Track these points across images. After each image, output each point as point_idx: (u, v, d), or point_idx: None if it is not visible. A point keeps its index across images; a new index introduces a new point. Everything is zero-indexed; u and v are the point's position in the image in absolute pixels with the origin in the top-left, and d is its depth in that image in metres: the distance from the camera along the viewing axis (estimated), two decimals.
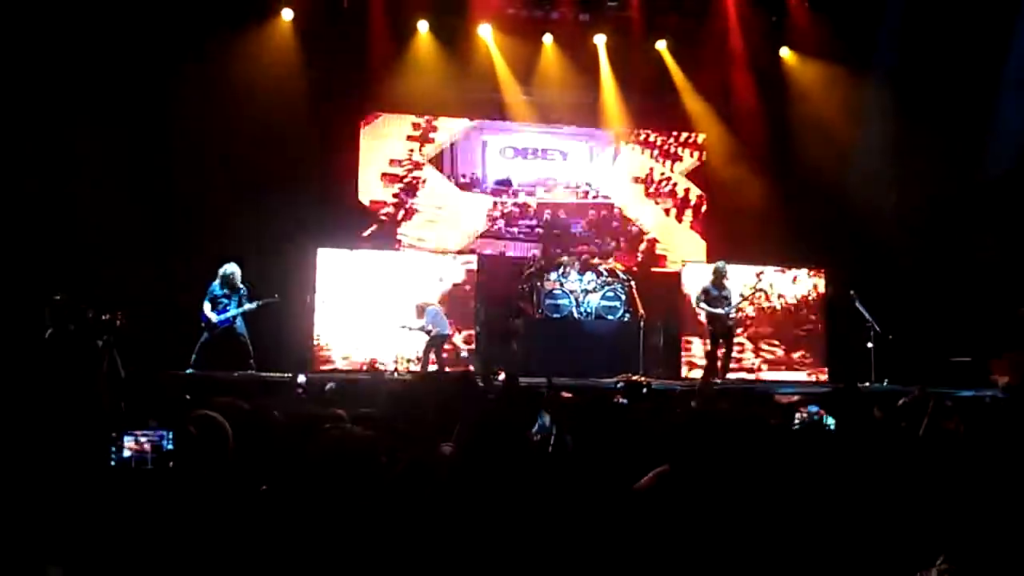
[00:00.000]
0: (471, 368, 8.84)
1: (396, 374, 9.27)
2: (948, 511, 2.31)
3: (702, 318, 9.70)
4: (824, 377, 10.60)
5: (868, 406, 4.91)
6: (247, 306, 8.61)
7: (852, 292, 9.83)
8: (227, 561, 1.92)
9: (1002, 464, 2.94)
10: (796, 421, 4.20)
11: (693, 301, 9.83)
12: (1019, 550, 2.03)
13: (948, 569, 2.08)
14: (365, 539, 1.72)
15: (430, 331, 9.18)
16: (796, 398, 5.81)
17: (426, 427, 3.38)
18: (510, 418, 2.72)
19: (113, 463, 2.02)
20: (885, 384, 9.08)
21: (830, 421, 4.18)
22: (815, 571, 2.10)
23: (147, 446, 2.05)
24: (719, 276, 9.42)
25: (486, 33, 11.27)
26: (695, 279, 10.43)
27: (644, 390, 5.91)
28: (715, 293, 9.37)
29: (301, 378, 6.76)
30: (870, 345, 9.63)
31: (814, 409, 4.22)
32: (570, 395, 5.52)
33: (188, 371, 8.17)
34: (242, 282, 8.67)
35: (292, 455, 2.42)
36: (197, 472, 2.16)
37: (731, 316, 9.45)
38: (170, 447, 2.03)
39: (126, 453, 2.04)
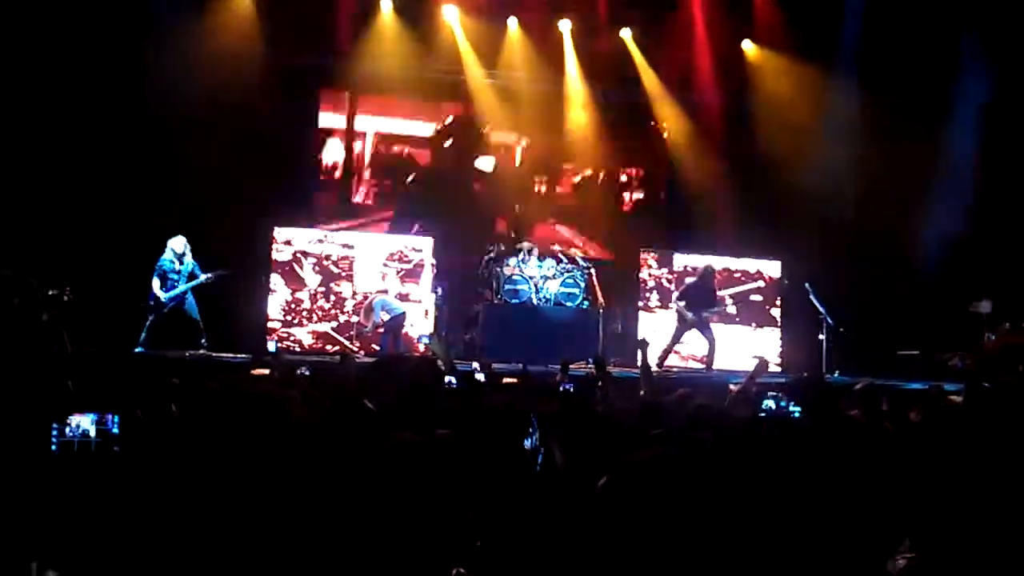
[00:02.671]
0: (432, 352, 8.78)
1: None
2: (913, 499, 2.33)
3: (673, 310, 9.78)
4: (776, 368, 10.74)
5: (835, 396, 4.97)
6: (197, 280, 8.38)
7: (807, 284, 9.97)
8: (174, 545, 1.86)
9: (967, 452, 2.99)
10: (763, 409, 4.22)
11: (672, 298, 9.91)
12: (983, 537, 2.05)
13: (913, 557, 2.10)
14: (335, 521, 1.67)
15: (379, 325, 9.23)
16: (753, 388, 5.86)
17: (391, 408, 3.33)
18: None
19: (55, 447, 1.92)
20: (836, 376, 9.23)
21: (795, 410, 4.21)
22: (785, 560, 2.09)
23: (92, 429, 1.96)
24: (705, 279, 9.55)
25: (451, 14, 11.13)
26: (652, 267, 10.62)
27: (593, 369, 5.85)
28: (693, 294, 9.45)
29: (272, 346, 6.65)
30: (822, 337, 9.80)
31: (779, 402, 4.24)
32: (514, 380, 5.50)
33: (137, 350, 7.96)
34: (190, 258, 8.45)
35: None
36: (144, 455, 2.08)
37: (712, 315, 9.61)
38: (116, 430, 1.94)
39: (68, 435, 1.94)
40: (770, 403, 4.21)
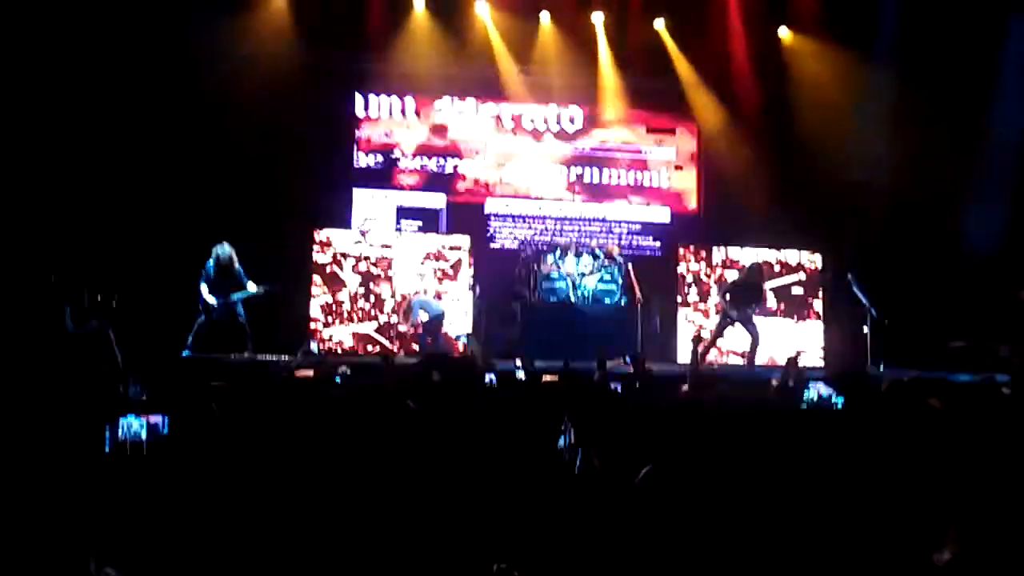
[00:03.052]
0: (471, 351, 8.85)
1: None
2: (957, 490, 2.30)
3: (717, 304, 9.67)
4: (819, 361, 10.58)
5: (877, 387, 4.91)
6: (249, 291, 8.48)
7: (849, 275, 9.80)
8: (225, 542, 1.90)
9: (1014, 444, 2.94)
10: (804, 401, 4.18)
11: (716, 292, 9.78)
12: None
13: (958, 549, 2.08)
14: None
15: (417, 325, 9.29)
16: (791, 382, 5.80)
17: (432, 406, 3.38)
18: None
19: (108, 448, 1.98)
20: (881, 368, 9.07)
21: (838, 401, 4.16)
22: (827, 551, 2.08)
23: (143, 430, 2.01)
24: (752, 274, 9.43)
25: (483, 10, 11.16)
26: (690, 260, 10.55)
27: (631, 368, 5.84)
28: (740, 291, 9.33)
29: (313, 347, 6.75)
30: (866, 329, 9.62)
31: (824, 392, 4.20)
32: (554, 378, 5.50)
33: (184, 354, 8.11)
34: (238, 264, 8.57)
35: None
36: (191, 453, 2.14)
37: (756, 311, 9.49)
38: (166, 431, 2.00)
39: (121, 436, 2.00)
40: (812, 394, 4.16)
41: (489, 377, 4.33)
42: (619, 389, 4.66)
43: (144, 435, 1.98)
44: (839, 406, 4.16)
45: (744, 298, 9.27)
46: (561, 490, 2.52)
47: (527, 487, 2.33)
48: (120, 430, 2.00)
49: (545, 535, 2.09)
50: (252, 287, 8.46)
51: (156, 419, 2.02)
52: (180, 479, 2.05)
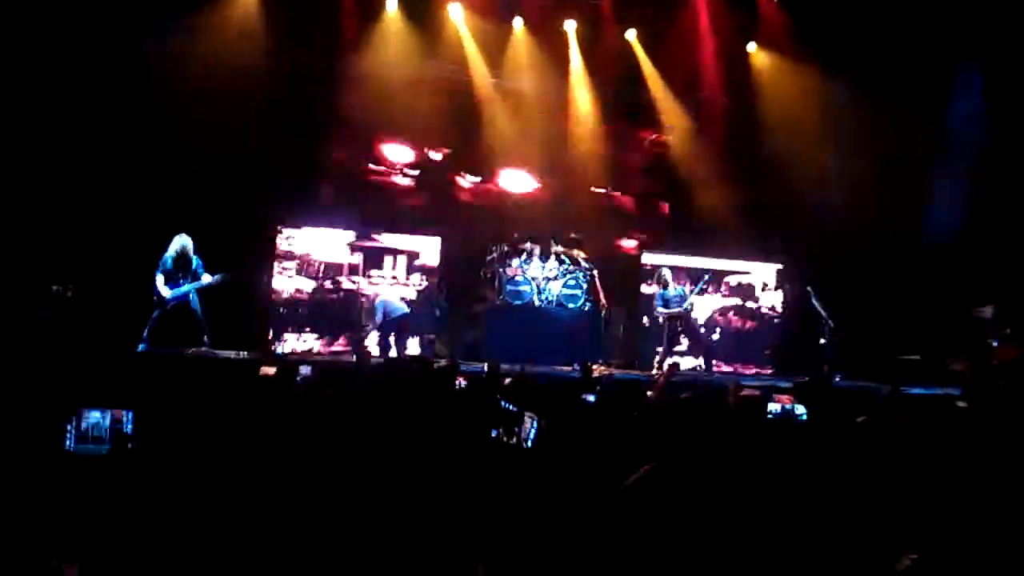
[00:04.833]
0: (437, 353, 8.84)
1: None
2: (919, 502, 2.35)
3: (660, 315, 9.80)
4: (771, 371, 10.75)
5: (839, 399, 4.99)
6: (202, 281, 8.34)
7: (807, 287, 9.97)
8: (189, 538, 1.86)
9: (972, 457, 3.01)
10: (770, 412, 4.23)
11: (655, 307, 9.93)
12: (986, 539, 2.07)
13: (918, 558, 2.12)
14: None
15: (381, 324, 9.24)
16: (758, 392, 5.88)
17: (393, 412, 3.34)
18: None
19: (71, 443, 1.91)
20: (837, 380, 9.22)
21: (799, 411, 4.22)
22: (797, 560, 2.10)
23: (107, 426, 1.95)
24: (666, 281, 9.68)
25: (456, 13, 11.12)
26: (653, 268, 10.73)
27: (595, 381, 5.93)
28: (670, 295, 9.58)
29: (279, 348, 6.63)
30: (823, 341, 9.79)
31: (787, 404, 4.25)
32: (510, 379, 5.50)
33: (141, 346, 7.94)
34: (195, 255, 8.41)
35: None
36: (156, 453, 2.08)
37: (689, 310, 9.73)
38: (130, 428, 1.93)
39: (84, 431, 1.93)
40: (776, 406, 4.21)
41: (458, 380, 4.31)
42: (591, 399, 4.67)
43: (108, 431, 1.92)
44: (802, 418, 4.23)
45: (672, 301, 9.57)
46: (534, 489, 2.51)
47: (499, 488, 2.32)
48: (83, 423, 1.93)
49: (523, 534, 2.09)
50: (207, 278, 8.31)
51: (121, 414, 1.96)
52: (145, 476, 1.99)
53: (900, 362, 9.39)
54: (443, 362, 5.35)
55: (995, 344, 8.67)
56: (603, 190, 11.96)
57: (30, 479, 1.86)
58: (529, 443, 3.52)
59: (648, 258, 11.16)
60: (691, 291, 9.95)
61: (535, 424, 3.57)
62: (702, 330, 10.46)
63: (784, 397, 4.48)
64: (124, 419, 1.96)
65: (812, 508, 2.39)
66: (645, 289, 10.78)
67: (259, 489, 1.71)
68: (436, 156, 11.54)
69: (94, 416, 1.96)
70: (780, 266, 11.08)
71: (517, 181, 11.76)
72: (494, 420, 3.88)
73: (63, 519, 1.74)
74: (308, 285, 9.95)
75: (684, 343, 9.99)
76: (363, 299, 9.90)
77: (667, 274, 9.86)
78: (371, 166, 11.29)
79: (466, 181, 11.59)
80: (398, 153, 11.45)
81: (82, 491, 1.87)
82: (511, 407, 4.39)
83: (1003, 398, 6.25)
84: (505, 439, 3.67)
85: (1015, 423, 4.40)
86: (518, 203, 11.61)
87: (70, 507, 1.79)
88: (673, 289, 9.78)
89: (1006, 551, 2.01)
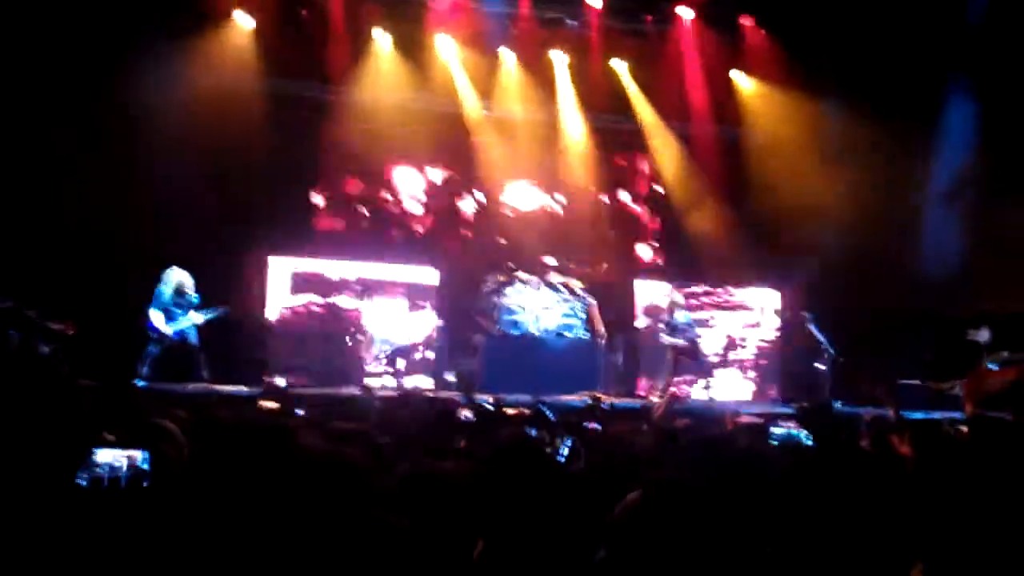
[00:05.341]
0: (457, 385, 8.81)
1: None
2: (924, 524, 2.36)
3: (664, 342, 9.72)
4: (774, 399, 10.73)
5: (842, 425, 4.97)
6: (201, 317, 8.31)
7: (805, 313, 9.98)
8: None
9: (974, 481, 3.01)
10: (774, 436, 4.21)
11: (659, 332, 9.85)
12: (990, 559, 2.08)
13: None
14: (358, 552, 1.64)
15: (383, 356, 9.21)
16: (760, 419, 5.86)
17: (410, 444, 3.33)
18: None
19: (84, 482, 1.88)
20: (839, 405, 9.20)
21: (803, 436, 4.20)
22: None
23: (121, 464, 1.91)
24: (674, 306, 9.56)
25: (445, 45, 11.23)
26: (647, 295, 10.72)
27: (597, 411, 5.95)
28: (677, 321, 9.48)
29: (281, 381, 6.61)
30: (822, 367, 9.77)
31: (793, 430, 4.23)
32: (516, 411, 5.50)
33: (139, 382, 7.87)
34: (194, 291, 8.39)
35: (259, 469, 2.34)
36: (173, 491, 2.05)
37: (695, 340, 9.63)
38: (146, 466, 1.89)
39: (97, 471, 1.89)
40: (780, 431, 4.19)
41: (462, 414, 4.29)
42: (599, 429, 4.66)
43: (124, 470, 1.88)
44: (806, 443, 4.20)
45: (677, 330, 9.45)
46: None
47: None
48: (96, 466, 1.89)
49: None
50: (202, 315, 8.28)
51: (136, 454, 1.92)
52: (162, 520, 1.96)
53: (900, 387, 9.39)
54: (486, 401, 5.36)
55: (992, 368, 8.68)
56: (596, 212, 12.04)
57: (40, 520, 1.83)
58: (561, 458, 3.55)
59: (642, 285, 11.21)
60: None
61: (568, 441, 3.62)
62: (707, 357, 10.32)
63: (788, 423, 4.46)
64: (139, 459, 1.92)
65: (819, 532, 2.39)
66: (643, 319, 10.79)
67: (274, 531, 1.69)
68: (435, 180, 11.60)
69: (110, 454, 1.92)
70: (778, 292, 11.11)
71: (517, 199, 11.79)
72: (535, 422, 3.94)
73: (76, 561, 1.71)
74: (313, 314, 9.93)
75: (687, 373, 9.85)
76: (360, 334, 9.84)
77: (678, 299, 9.72)
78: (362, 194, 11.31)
79: (469, 203, 11.60)
80: (397, 179, 11.49)
81: (97, 531, 1.83)
82: (549, 414, 4.42)
83: (1005, 423, 6.26)
84: (547, 445, 3.71)
85: (1017, 448, 4.40)
86: (516, 227, 11.65)
87: (84, 549, 1.75)
88: (683, 315, 9.64)
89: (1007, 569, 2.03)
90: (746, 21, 11.53)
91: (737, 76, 11.89)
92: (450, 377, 9.40)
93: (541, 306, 10.22)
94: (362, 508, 1.76)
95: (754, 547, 2.26)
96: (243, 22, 10.41)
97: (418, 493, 2.01)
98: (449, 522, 1.95)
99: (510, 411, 5.73)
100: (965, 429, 5.46)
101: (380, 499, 2.00)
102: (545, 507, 2.73)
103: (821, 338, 9.75)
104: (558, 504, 2.77)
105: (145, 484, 1.88)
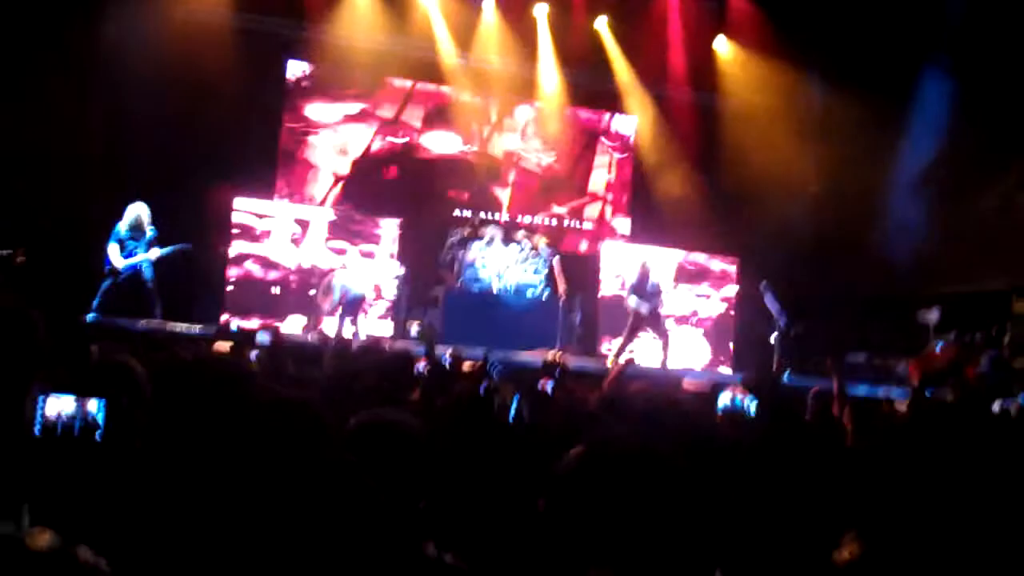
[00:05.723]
0: (421, 337, 8.81)
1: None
2: (859, 495, 2.45)
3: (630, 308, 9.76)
4: (727, 368, 10.93)
5: (789, 395, 5.11)
6: (156, 252, 8.20)
7: (761, 283, 10.11)
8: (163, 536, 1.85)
9: (912, 456, 3.13)
10: (721, 405, 4.31)
11: (626, 296, 9.87)
12: (928, 531, 2.16)
13: (858, 548, 2.20)
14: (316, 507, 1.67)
15: (339, 304, 9.16)
16: (707, 386, 5.99)
17: (364, 394, 3.36)
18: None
19: (38, 430, 1.86)
20: (787, 377, 9.43)
21: (748, 405, 4.30)
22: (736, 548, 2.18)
23: (72, 410, 1.89)
24: (648, 272, 9.61)
25: None
26: (613, 257, 10.78)
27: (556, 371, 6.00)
28: (646, 288, 9.52)
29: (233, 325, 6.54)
30: (773, 339, 9.95)
31: (738, 398, 4.33)
32: (473, 365, 5.55)
33: (91, 316, 7.78)
34: (151, 225, 8.26)
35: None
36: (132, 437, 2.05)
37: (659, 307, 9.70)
38: (100, 413, 1.88)
39: (50, 417, 1.87)
40: (726, 400, 4.30)
41: (418, 367, 4.33)
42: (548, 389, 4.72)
43: (76, 419, 1.86)
44: (751, 412, 4.32)
45: (645, 296, 9.48)
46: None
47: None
48: (48, 410, 1.88)
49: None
50: (160, 250, 8.17)
51: (92, 402, 1.91)
52: (121, 469, 1.96)
53: (847, 362, 9.62)
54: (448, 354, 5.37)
55: (937, 347, 8.95)
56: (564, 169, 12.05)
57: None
58: (511, 417, 3.62)
59: (607, 247, 11.30)
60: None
61: (516, 399, 3.69)
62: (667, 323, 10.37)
63: (737, 389, 4.56)
64: (94, 407, 1.91)
65: (757, 499, 2.47)
66: (610, 282, 10.86)
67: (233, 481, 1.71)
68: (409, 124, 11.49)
69: (60, 402, 1.90)
70: (737, 261, 11.25)
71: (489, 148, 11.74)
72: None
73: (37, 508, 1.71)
74: (271, 257, 9.84)
75: (644, 336, 9.92)
76: (319, 278, 9.79)
77: (648, 264, 9.70)
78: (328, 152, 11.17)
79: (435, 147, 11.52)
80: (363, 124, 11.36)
81: (53, 480, 1.83)
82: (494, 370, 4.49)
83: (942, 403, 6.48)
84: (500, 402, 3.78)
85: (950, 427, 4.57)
86: (483, 177, 11.60)
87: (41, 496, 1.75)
88: (653, 281, 9.61)
89: (946, 542, 2.11)
90: None
91: (719, 42, 11.85)
92: (413, 327, 9.41)
93: (505, 263, 10.24)
94: (319, 452, 1.80)
95: (690, 509, 2.32)
96: None
97: (371, 441, 2.04)
98: (400, 472, 1.99)
99: (466, 364, 5.80)
100: (903, 407, 5.66)
101: (335, 445, 2.03)
102: (491, 461, 2.80)
103: (774, 309, 9.91)
104: (503, 458, 2.84)
105: (99, 434, 1.87)
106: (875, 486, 2.61)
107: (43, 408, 1.80)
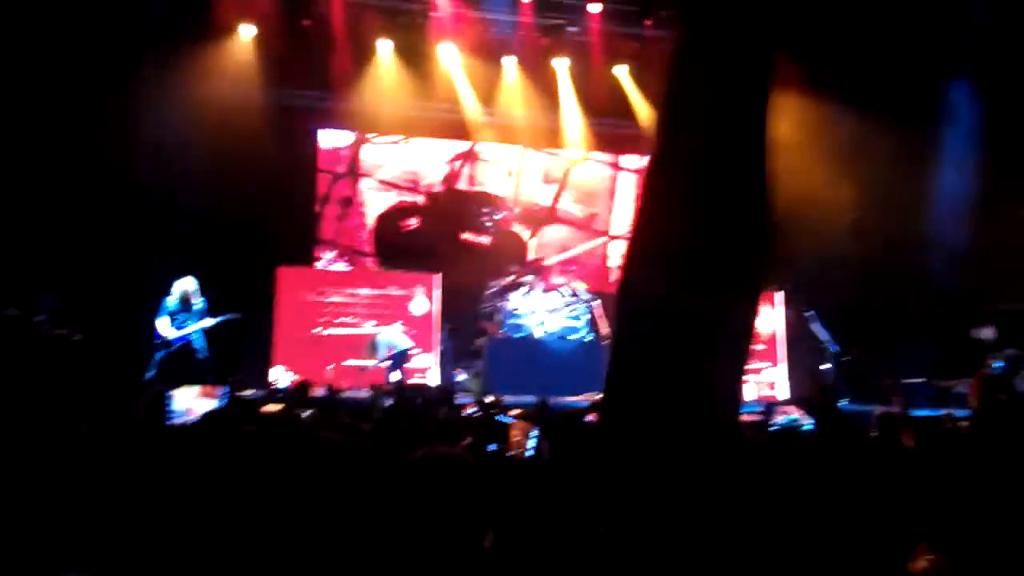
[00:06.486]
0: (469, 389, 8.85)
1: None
2: (931, 507, 2.39)
3: None
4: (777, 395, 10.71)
5: (848, 418, 5.01)
6: (207, 322, 8.38)
7: (808, 312, 9.98)
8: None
9: (976, 469, 3.05)
10: (773, 424, 4.24)
11: None
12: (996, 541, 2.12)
13: (932, 558, 2.16)
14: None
15: (387, 359, 9.26)
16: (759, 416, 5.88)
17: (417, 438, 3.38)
18: None
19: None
20: (846, 403, 9.22)
21: (804, 423, 4.22)
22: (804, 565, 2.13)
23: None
24: None
25: (448, 53, 11.32)
26: None
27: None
28: None
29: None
30: (826, 365, 9.77)
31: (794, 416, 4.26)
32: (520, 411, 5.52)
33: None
34: (200, 297, 8.46)
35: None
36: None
37: None
38: None
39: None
40: (783, 419, 4.20)
41: (472, 410, 4.32)
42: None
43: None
44: (807, 429, 4.21)
45: None
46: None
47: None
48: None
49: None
50: (210, 320, 8.35)
51: None
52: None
53: (905, 385, 9.38)
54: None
55: (997, 366, 8.67)
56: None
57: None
58: (529, 453, 3.59)
59: None
60: None
61: (534, 434, 3.66)
62: None
63: (790, 408, 4.45)
64: None
65: (826, 514, 2.42)
66: None
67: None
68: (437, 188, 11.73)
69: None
70: (780, 292, 11.10)
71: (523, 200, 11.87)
72: (491, 435, 3.95)
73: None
74: (316, 321, 9.98)
75: None
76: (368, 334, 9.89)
77: None
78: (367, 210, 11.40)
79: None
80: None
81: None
82: (505, 419, 4.46)
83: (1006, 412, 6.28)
84: (505, 452, 3.74)
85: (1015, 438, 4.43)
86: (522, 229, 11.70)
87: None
88: None
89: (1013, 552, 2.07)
90: None
91: None
92: (461, 377, 9.45)
93: (545, 309, 10.25)
94: (377, 493, 1.80)
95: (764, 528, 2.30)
96: (246, 33, 10.54)
97: (433, 473, 2.05)
98: (459, 502, 1.98)
99: (514, 412, 5.77)
100: (965, 424, 5.49)
101: (393, 483, 2.04)
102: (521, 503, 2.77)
103: (824, 336, 9.75)
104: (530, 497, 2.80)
105: None
106: (945, 498, 2.55)
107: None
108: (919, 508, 2.49)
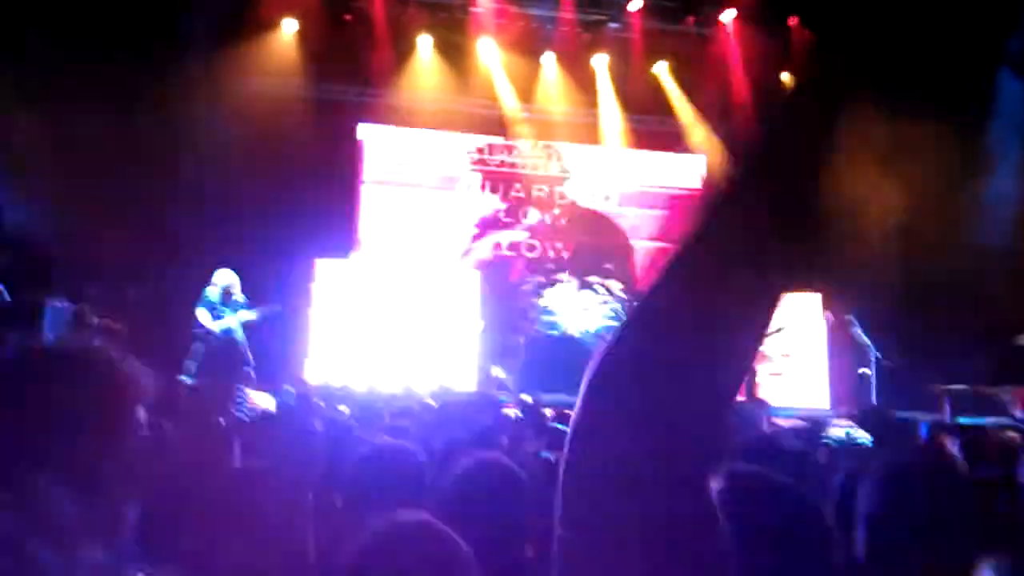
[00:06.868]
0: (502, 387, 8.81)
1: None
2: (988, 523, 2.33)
3: None
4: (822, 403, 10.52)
5: (901, 428, 4.89)
6: (248, 315, 8.45)
7: (849, 317, 9.80)
8: None
9: None
10: (825, 439, 4.14)
11: None
12: None
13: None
14: None
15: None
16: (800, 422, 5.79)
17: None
18: None
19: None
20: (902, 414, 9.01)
21: (859, 438, 4.13)
22: None
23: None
24: None
25: (487, 49, 11.30)
26: None
27: None
28: None
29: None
30: (867, 371, 9.58)
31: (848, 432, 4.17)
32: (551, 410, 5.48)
33: (183, 379, 8.01)
34: (240, 291, 8.54)
35: None
36: None
37: None
38: None
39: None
40: (839, 433, 4.12)
41: (516, 413, 4.31)
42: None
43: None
44: (858, 443, 4.12)
45: None
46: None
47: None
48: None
49: None
50: (251, 313, 8.42)
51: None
52: None
53: (949, 393, 9.16)
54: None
55: None
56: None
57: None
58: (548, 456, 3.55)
59: None
60: None
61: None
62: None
63: (844, 422, 4.38)
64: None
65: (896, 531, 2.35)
66: None
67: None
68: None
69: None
70: (820, 295, 10.91)
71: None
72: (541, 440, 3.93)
73: None
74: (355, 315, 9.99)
75: None
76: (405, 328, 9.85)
77: None
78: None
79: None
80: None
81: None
82: (559, 426, 4.41)
83: None
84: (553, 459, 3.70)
85: None
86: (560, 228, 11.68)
87: None
88: None
89: None
90: (792, 21, 11.40)
91: (785, 77, 11.75)
92: (499, 374, 9.40)
93: (580, 308, 10.20)
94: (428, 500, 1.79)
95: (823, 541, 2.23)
96: (288, 28, 10.61)
97: (482, 480, 2.02)
98: (508, 509, 1.96)
99: (548, 411, 5.74)
100: (1014, 435, 5.34)
101: (440, 491, 2.03)
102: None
103: (867, 341, 9.57)
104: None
105: None
106: (1004, 511, 2.48)
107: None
108: (979, 523, 2.41)
